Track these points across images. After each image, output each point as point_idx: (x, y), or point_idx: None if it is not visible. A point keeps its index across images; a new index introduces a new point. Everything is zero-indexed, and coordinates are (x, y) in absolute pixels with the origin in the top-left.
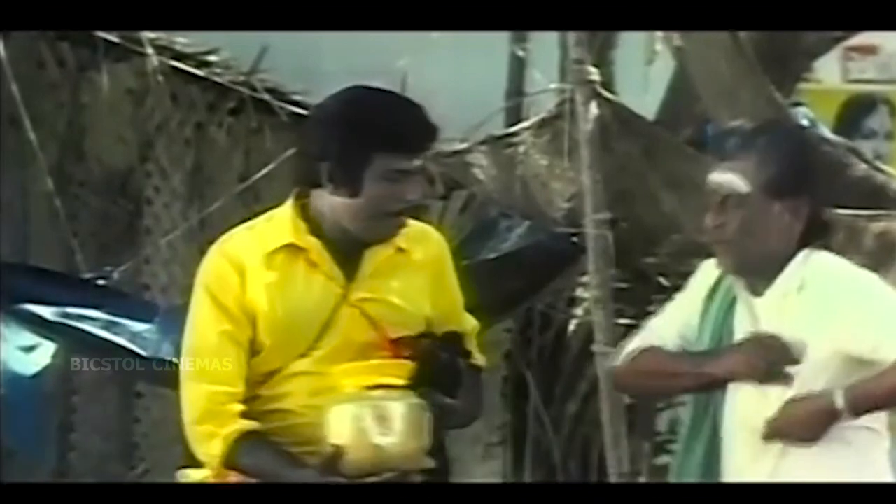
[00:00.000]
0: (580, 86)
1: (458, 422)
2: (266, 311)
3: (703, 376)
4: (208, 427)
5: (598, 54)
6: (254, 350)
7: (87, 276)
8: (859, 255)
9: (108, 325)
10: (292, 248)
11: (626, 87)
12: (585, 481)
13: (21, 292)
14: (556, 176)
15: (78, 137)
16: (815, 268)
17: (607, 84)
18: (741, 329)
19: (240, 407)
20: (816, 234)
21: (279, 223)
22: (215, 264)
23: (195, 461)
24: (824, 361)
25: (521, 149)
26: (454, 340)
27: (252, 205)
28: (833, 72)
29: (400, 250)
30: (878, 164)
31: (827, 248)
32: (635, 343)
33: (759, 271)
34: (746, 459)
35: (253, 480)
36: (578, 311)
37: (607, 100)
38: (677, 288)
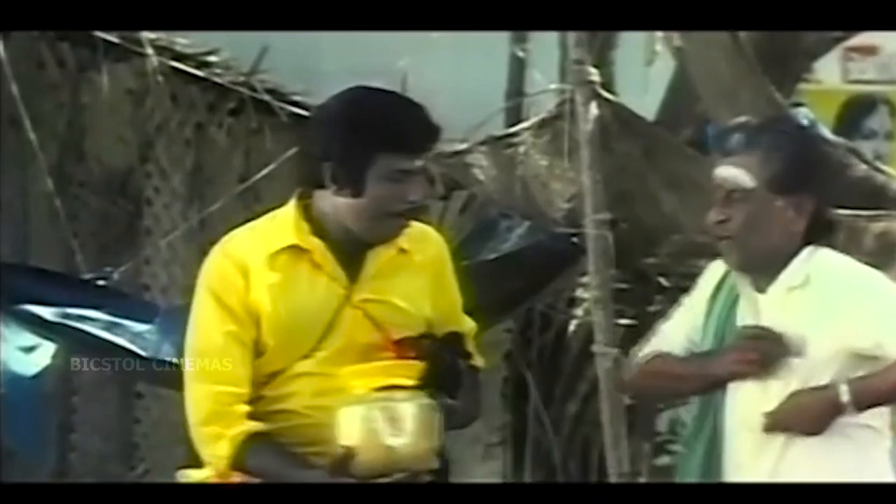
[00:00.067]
0: (580, 86)
1: (458, 422)
2: (269, 312)
3: (706, 377)
4: (215, 428)
5: (598, 55)
6: (257, 351)
7: (88, 276)
8: (859, 255)
9: (108, 326)
10: (296, 250)
11: (626, 88)
12: (585, 482)
13: (21, 293)
14: (556, 176)
15: (78, 138)
16: (818, 264)
17: (607, 84)
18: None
19: (246, 408)
20: (820, 232)
21: (282, 224)
22: (218, 265)
23: (196, 461)
24: (827, 357)
25: (522, 149)
26: (455, 341)
27: (252, 205)
28: (833, 72)
29: (402, 251)
30: (878, 164)
31: (831, 245)
32: (645, 349)
33: (763, 267)
34: (748, 457)
35: (255, 480)
36: (578, 312)
37: (607, 100)
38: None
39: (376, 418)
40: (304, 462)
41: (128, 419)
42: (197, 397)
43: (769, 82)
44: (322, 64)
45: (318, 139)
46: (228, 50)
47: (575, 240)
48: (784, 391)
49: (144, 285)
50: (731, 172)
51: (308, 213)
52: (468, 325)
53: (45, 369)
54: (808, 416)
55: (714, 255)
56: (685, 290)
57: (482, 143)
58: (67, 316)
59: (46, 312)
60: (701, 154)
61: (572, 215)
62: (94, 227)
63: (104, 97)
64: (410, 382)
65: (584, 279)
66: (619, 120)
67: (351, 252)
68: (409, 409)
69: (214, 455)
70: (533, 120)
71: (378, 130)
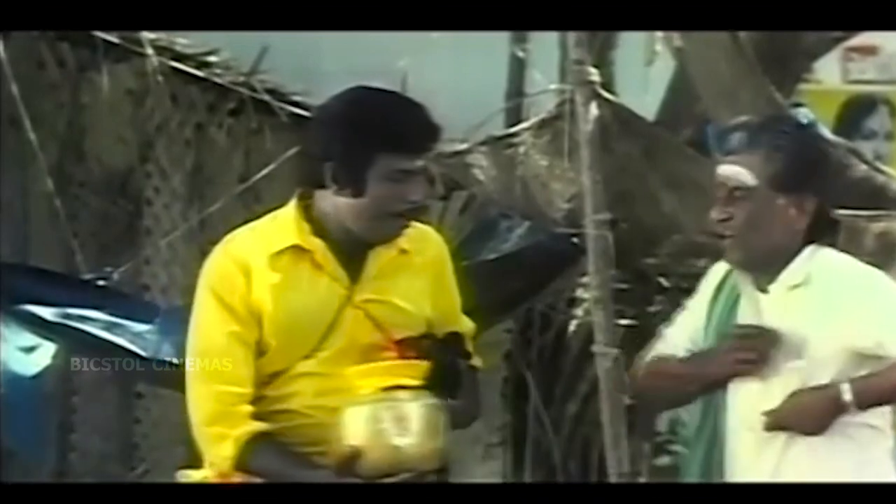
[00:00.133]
0: (580, 86)
1: (458, 422)
2: (271, 312)
3: (705, 377)
4: (219, 429)
5: (598, 55)
6: (259, 351)
7: (88, 276)
8: (859, 255)
9: (108, 326)
10: (297, 250)
11: (626, 88)
12: (585, 482)
13: (21, 293)
14: (556, 176)
15: (78, 138)
16: (820, 263)
17: (607, 85)
18: None
19: (250, 408)
20: (822, 231)
21: (283, 224)
22: (220, 265)
23: (196, 461)
24: (828, 356)
25: (522, 149)
26: (455, 341)
27: (252, 205)
28: (833, 72)
29: (403, 251)
30: (879, 164)
31: (832, 245)
32: (651, 353)
33: (765, 266)
34: (749, 456)
35: (257, 480)
36: (578, 312)
37: (607, 100)
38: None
39: (383, 418)
40: (307, 462)
41: (128, 419)
42: (201, 398)
43: (769, 82)
44: (322, 64)
45: (319, 139)
46: (228, 50)
47: (575, 240)
48: (785, 390)
49: (144, 285)
50: (734, 170)
51: (309, 213)
52: (467, 325)
53: (45, 369)
54: (809, 416)
55: (714, 255)
56: (685, 290)
57: (482, 143)
58: (67, 316)
59: (46, 312)
60: (701, 154)
61: (572, 215)
62: (94, 227)
63: (104, 97)
64: (415, 382)
65: (584, 279)
66: (619, 120)
67: (352, 252)
68: (416, 409)
69: (218, 455)
70: (533, 120)
71: (379, 130)
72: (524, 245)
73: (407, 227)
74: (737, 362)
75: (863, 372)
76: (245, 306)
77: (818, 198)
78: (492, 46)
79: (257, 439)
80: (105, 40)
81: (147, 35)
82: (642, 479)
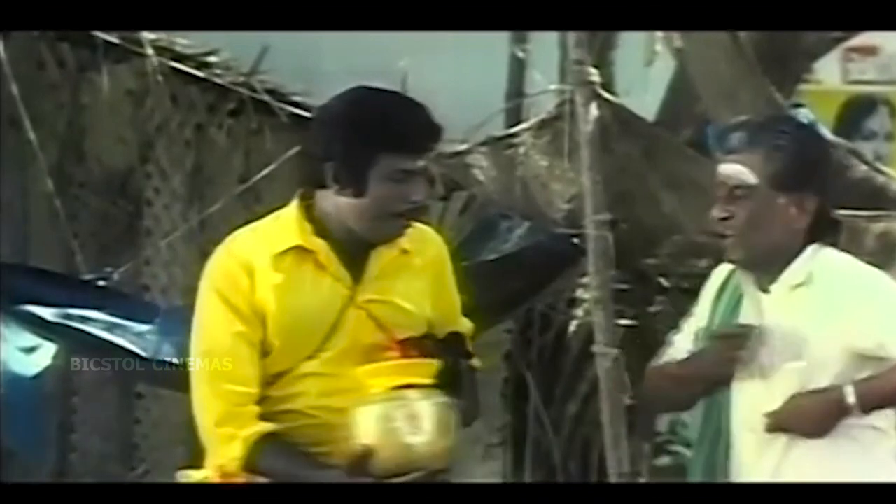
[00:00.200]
0: (580, 87)
1: (458, 422)
2: (275, 313)
3: (702, 378)
4: (228, 429)
5: (598, 55)
6: (263, 351)
7: (88, 277)
8: (860, 256)
9: (109, 326)
10: (300, 250)
11: (626, 88)
12: (585, 482)
13: (21, 293)
14: (557, 177)
15: (78, 138)
16: (822, 263)
17: (607, 85)
18: None
19: (257, 409)
20: (824, 231)
21: (285, 224)
22: (224, 265)
23: (197, 462)
24: (829, 357)
25: (522, 150)
26: (456, 341)
27: (252, 206)
28: (833, 73)
29: (404, 252)
30: (879, 165)
31: (833, 245)
32: (661, 360)
33: (766, 265)
34: (751, 457)
35: (260, 480)
36: (578, 312)
37: (607, 101)
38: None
39: (395, 417)
40: (314, 462)
41: (128, 419)
42: (207, 398)
43: (769, 82)
44: (322, 64)
45: (320, 139)
46: (228, 50)
47: (575, 240)
48: (786, 391)
49: (145, 286)
50: (734, 169)
51: (310, 213)
52: (466, 325)
53: (46, 370)
54: (812, 419)
55: (715, 255)
56: (685, 290)
57: (482, 143)
58: (67, 316)
59: (47, 313)
60: (701, 154)
61: (572, 216)
62: (94, 228)
63: (104, 97)
64: (425, 381)
65: (585, 280)
66: (619, 120)
67: (354, 252)
68: (427, 408)
69: (227, 456)
70: (533, 120)
71: (380, 130)
72: (524, 245)
73: (408, 226)
74: (722, 362)
75: (863, 373)
76: (249, 306)
77: (819, 197)
78: (492, 46)
79: (266, 439)
80: (105, 40)
81: (147, 35)
82: (642, 480)
